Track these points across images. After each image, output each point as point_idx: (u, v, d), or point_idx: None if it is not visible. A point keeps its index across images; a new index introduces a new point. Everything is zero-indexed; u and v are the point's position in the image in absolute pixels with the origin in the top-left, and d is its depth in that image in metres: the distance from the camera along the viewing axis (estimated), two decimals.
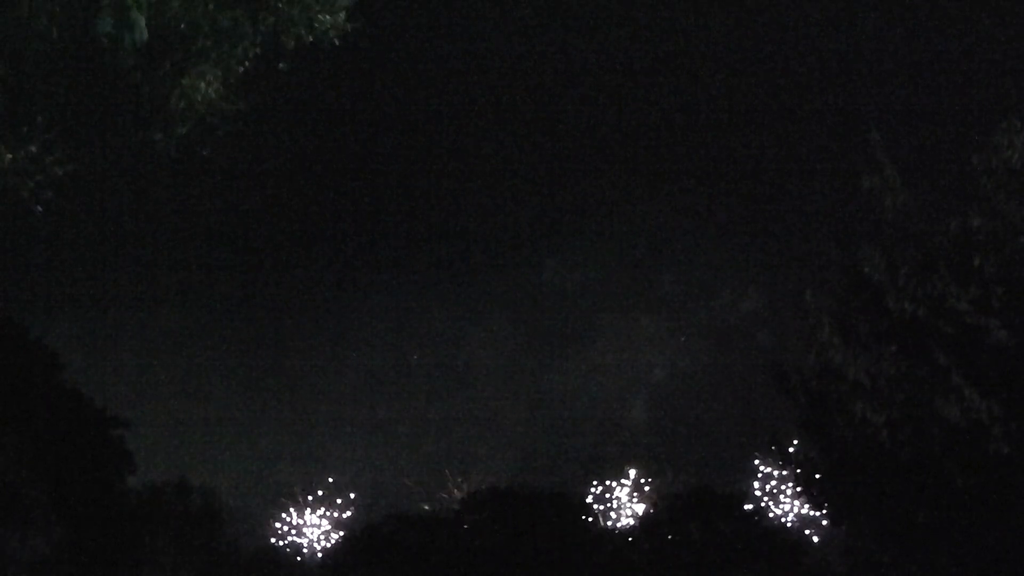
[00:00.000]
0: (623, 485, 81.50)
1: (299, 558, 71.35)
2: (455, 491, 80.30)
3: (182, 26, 9.52)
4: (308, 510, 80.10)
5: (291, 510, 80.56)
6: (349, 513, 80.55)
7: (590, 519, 52.75)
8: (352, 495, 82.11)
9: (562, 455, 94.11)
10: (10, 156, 9.40)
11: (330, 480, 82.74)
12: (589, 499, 73.34)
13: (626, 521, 67.31)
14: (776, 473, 69.07)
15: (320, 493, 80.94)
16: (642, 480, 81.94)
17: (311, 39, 10.77)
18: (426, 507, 77.50)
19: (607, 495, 79.47)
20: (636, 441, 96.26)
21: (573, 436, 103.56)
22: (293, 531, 79.55)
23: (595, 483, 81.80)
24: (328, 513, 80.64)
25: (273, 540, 74.73)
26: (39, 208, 9.90)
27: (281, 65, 10.65)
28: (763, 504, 66.86)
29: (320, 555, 70.48)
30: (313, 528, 79.97)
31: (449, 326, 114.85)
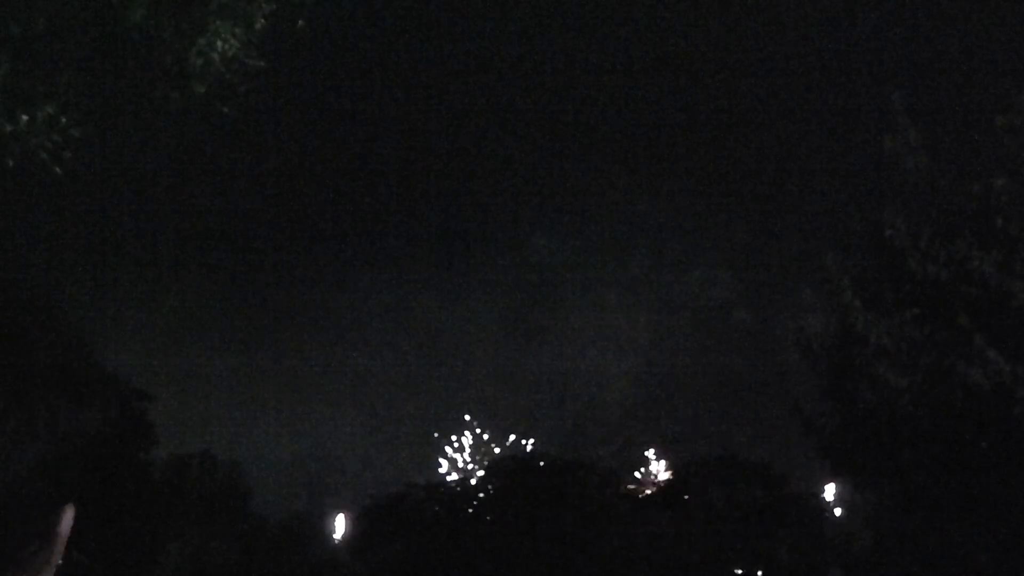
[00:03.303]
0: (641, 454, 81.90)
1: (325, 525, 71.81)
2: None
3: None
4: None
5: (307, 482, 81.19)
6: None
7: (613, 487, 52.81)
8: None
9: (555, 432, 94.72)
10: (26, 118, 9.38)
11: (336, 455, 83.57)
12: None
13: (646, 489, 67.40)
14: (792, 441, 68.97)
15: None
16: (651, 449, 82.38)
17: None
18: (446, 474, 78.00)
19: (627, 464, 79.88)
20: (625, 416, 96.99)
21: (562, 414, 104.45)
22: (313, 503, 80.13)
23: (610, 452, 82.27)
24: (338, 487, 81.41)
25: (296, 513, 75.20)
26: (59, 170, 9.89)
27: (300, 23, 10.56)
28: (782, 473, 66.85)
29: (343, 526, 70.93)
30: (331, 499, 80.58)
31: (436, 306, 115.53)
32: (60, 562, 1.29)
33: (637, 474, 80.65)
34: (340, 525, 69.03)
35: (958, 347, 18.56)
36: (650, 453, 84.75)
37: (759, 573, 51.47)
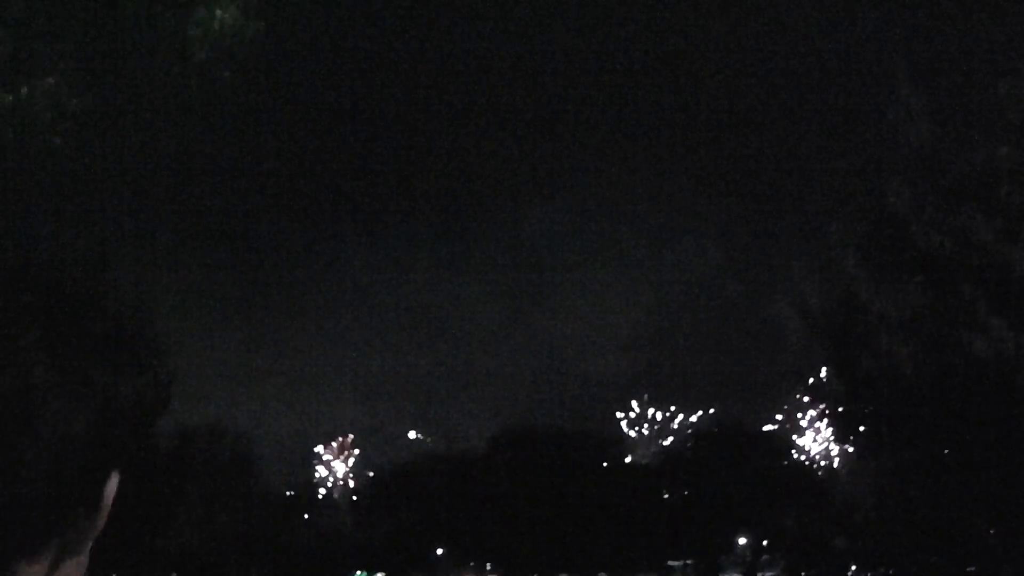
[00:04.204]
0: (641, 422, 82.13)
1: (331, 496, 72.15)
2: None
3: None
4: (328, 454, 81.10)
5: (317, 454, 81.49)
6: (356, 452, 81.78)
7: (616, 456, 53.01)
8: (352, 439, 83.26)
9: (553, 402, 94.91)
10: (26, 90, 9.38)
11: (335, 429, 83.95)
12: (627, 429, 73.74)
13: (645, 458, 67.71)
14: (796, 410, 69.26)
15: (333, 443, 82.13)
16: (659, 415, 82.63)
17: None
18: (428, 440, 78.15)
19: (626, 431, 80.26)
20: (624, 386, 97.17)
21: (559, 384, 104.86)
22: (320, 474, 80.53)
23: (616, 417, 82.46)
24: (344, 457, 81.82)
25: (303, 484, 75.60)
26: (57, 140, 9.89)
27: None
28: (788, 440, 67.14)
29: (349, 496, 71.30)
30: (338, 471, 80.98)
31: (432, 282, 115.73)
32: (102, 527, 1.33)
33: (638, 442, 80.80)
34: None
35: (961, 316, 18.54)
36: (652, 421, 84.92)
37: (764, 543, 51.71)
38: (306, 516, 56.58)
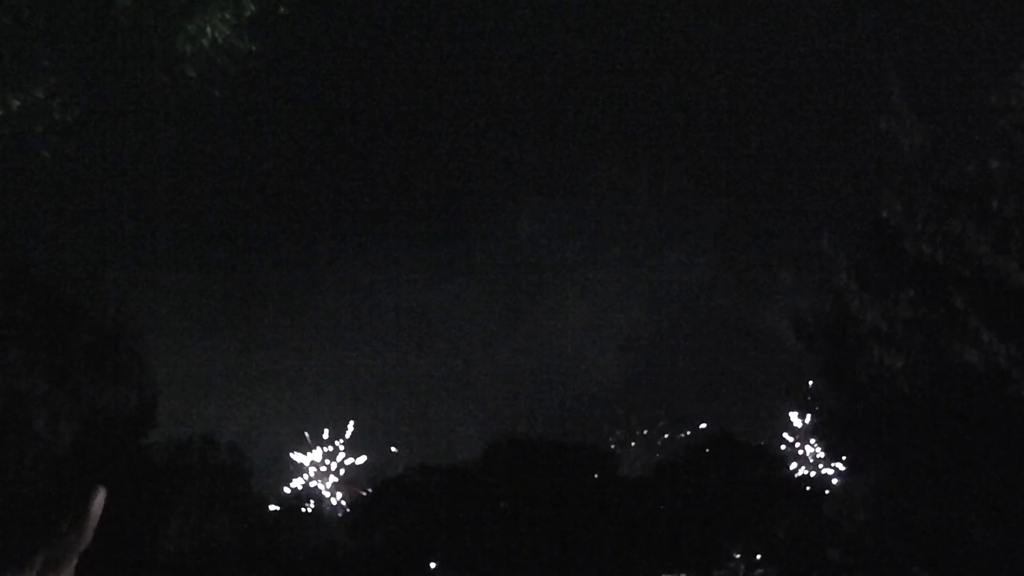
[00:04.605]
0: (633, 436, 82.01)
1: (322, 507, 71.93)
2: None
3: None
4: (319, 460, 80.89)
5: (305, 465, 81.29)
6: (350, 460, 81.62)
7: (608, 468, 52.90)
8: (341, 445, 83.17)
9: (546, 411, 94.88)
10: (17, 102, 9.34)
11: (324, 437, 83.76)
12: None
13: (637, 471, 67.52)
14: (788, 423, 69.26)
15: (319, 447, 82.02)
16: (644, 431, 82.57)
17: None
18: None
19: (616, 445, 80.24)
20: (614, 398, 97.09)
21: (552, 393, 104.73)
22: (311, 485, 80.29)
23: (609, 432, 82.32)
24: (337, 467, 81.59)
25: (294, 491, 75.42)
26: (47, 154, 9.86)
27: (281, 9, 10.49)
28: (780, 452, 66.96)
29: (343, 508, 71.09)
30: (330, 483, 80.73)
31: (423, 292, 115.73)
32: (89, 543, 1.31)
33: (630, 453, 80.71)
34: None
35: (953, 328, 18.55)
36: (644, 432, 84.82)
37: (757, 557, 51.60)
38: (298, 527, 56.39)
